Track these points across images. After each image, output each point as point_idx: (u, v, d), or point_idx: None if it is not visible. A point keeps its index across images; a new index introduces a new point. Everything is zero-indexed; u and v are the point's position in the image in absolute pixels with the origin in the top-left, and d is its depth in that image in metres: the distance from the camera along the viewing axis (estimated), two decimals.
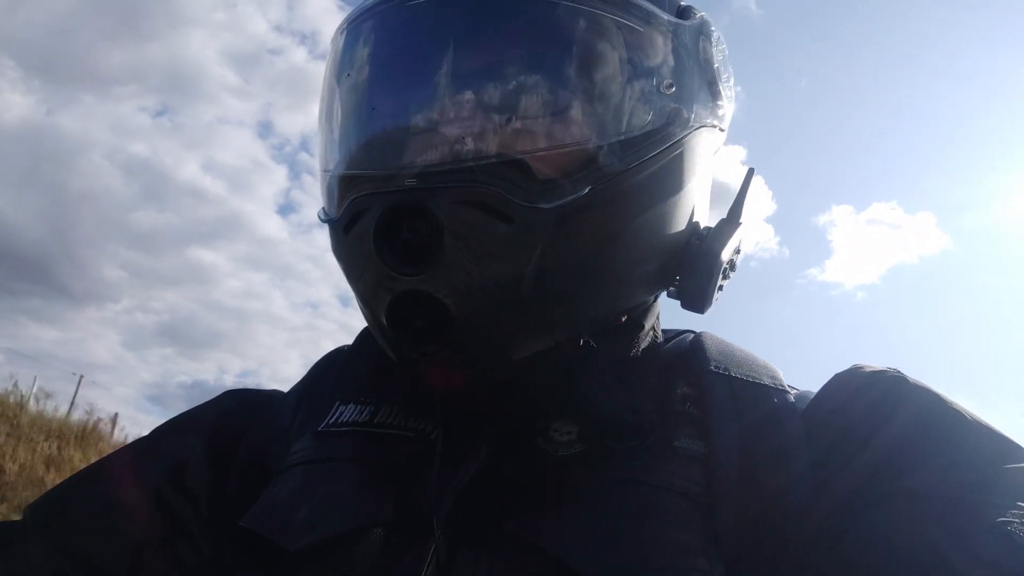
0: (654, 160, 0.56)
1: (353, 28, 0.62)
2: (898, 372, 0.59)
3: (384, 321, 0.54)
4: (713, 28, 0.65)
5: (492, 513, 0.52)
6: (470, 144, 0.53)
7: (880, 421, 0.55)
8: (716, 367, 0.61)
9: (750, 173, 0.68)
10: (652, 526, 0.51)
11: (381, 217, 0.52)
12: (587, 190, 0.52)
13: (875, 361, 0.61)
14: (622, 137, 0.55)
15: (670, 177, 0.59)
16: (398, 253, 0.51)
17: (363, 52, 0.60)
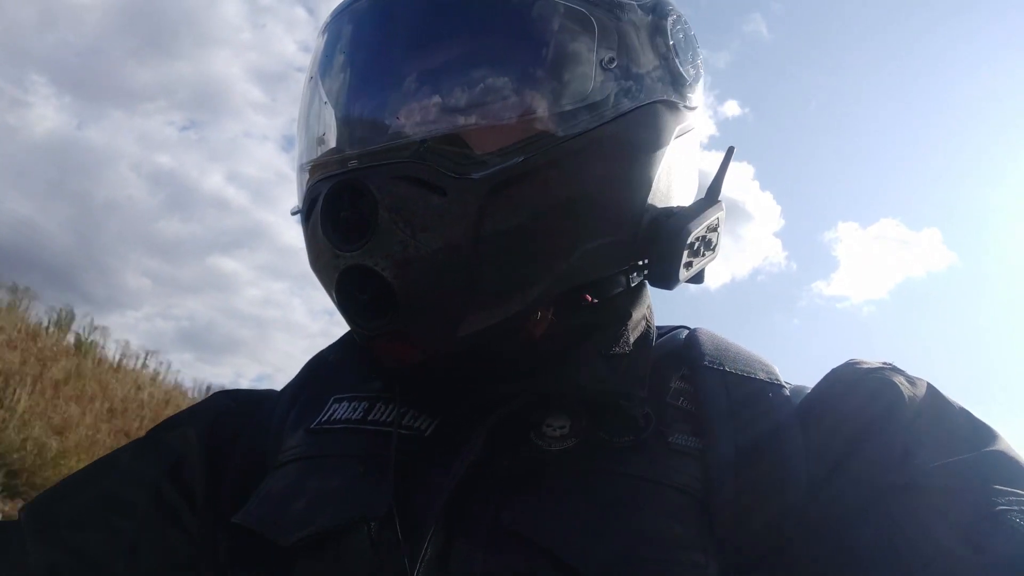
0: (595, 132, 0.55)
1: (321, 33, 0.65)
2: (893, 367, 0.58)
3: (335, 298, 0.56)
4: (669, 3, 0.64)
5: (487, 507, 0.52)
6: (404, 123, 0.55)
7: (876, 419, 0.55)
8: (710, 362, 0.60)
9: (729, 152, 0.67)
10: (646, 519, 0.50)
11: (325, 199, 0.54)
12: (520, 160, 0.53)
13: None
14: (556, 110, 0.55)
15: (617, 150, 0.57)
16: (341, 231, 0.54)
17: (317, 52, 0.64)
